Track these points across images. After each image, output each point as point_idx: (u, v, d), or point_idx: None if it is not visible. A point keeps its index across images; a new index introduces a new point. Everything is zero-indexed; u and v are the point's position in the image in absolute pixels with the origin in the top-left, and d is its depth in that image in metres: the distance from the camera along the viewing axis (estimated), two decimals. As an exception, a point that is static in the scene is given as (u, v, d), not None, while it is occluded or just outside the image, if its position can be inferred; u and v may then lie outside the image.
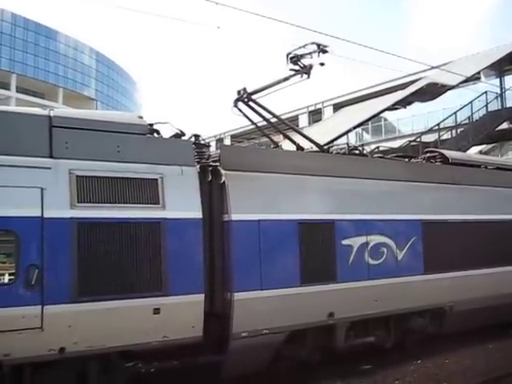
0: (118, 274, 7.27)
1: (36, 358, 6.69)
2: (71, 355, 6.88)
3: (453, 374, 9.63)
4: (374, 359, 9.98)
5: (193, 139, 9.12)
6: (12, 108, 9.22)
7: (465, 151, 23.43)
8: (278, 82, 10.45)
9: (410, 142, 26.86)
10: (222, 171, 8.47)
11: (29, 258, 6.70)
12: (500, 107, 29.40)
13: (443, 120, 29.69)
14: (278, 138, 13.42)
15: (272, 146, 11.03)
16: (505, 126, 29.02)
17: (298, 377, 9.06)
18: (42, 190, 6.89)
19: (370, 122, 33.14)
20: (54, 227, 6.89)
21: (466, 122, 29.13)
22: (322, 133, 22.30)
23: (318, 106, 42.06)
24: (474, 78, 28.31)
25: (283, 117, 14.20)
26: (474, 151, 29.18)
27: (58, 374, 7.01)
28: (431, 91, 25.66)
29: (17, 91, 67.03)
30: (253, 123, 10.98)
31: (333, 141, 20.11)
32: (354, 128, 27.01)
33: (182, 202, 7.96)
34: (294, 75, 10.52)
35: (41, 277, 6.68)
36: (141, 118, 8.54)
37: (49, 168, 7.06)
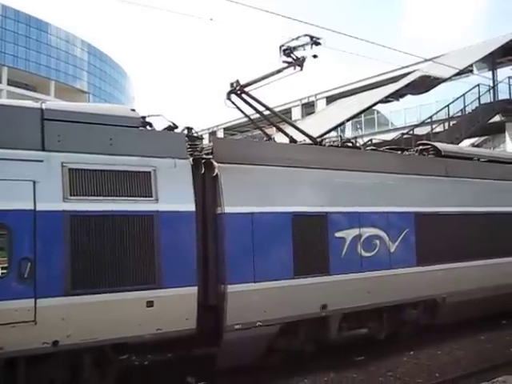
0: (111, 266, 7.25)
1: (29, 351, 6.68)
2: (65, 348, 6.88)
3: (445, 364, 9.72)
4: (367, 351, 10.03)
5: (185, 132, 9.10)
6: (3, 101, 9.14)
7: (457, 144, 23.52)
8: (271, 75, 10.42)
9: (403, 134, 26.94)
10: (215, 164, 8.46)
11: (21, 251, 6.68)
12: (492, 100, 29.52)
13: (436, 113, 29.79)
14: (271, 130, 13.41)
15: (265, 139, 11.01)
16: (497, 118, 29.16)
17: (292, 369, 9.10)
18: (34, 182, 6.86)
19: (362, 115, 33.17)
20: (47, 220, 6.87)
21: (459, 114, 29.24)
22: (315, 125, 22.34)
23: (311, 99, 42.05)
24: (467, 71, 28.44)
25: (276, 109, 14.18)
26: (466, 144, 29.33)
27: (52, 366, 7.02)
28: (424, 84, 25.78)
29: (8, 84, 66.49)
30: (246, 116, 10.96)
31: (326, 133, 20.17)
32: (347, 120, 27.08)
33: (175, 194, 7.95)
34: (287, 67, 10.50)
35: (33, 270, 6.66)
36: (133, 110, 8.50)
37: (41, 161, 7.03)
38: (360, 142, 13.12)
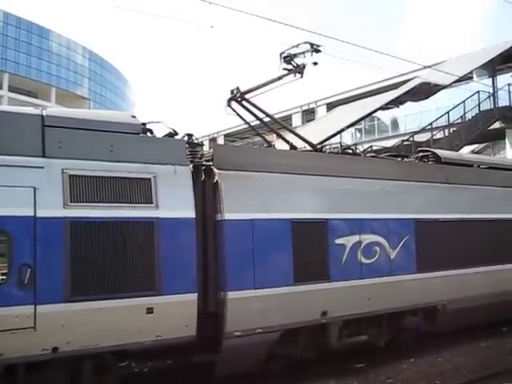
0: (111, 273, 7.25)
1: (29, 357, 6.67)
2: (64, 355, 6.87)
3: (445, 371, 9.67)
4: (367, 358, 10.00)
5: (186, 138, 9.11)
6: (4, 107, 9.17)
7: (457, 150, 23.54)
8: (272, 82, 10.47)
9: (403, 141, 26.98)
10: (216, 170, 8.47)
11: (21, 257, 6.68)
12: (492, 107, 29.58)
13: (436, 119, 29.84)
14: (272, 137, 13.43)
15: (265, 146, 11.03)
16: (497, 125, 29.20)
17: (292, 376, 9.07)
18: (34, 189, 6.86)
19: (363, 122, 33.21)
20: (47, 227, 6.87)
21: (459, 121, 29.29)
22: (315, 132, 22.36)
23: (312, 106, 42.11)
24: (467, 78, 28.49)
25: (276, 116, 14.21)
26: (466, 150, 29.36)
27: (51, 373, 6.99)
28: (424, 91, 25.82)
29: (9, 90, 66.62)
30: (246, 122, 10.99)
31: (326, 140, 20.18)
32: (348, 127, 27.09)
33: (175, 201, 7.96)
34: (287, 74, 10.54)
35: (33, 276, 6.66)
36: (134, 117, 8.53)
37: (41, 167, 7.04)
38: (360, 148, 13.13)
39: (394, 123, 35.06)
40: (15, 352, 6.53)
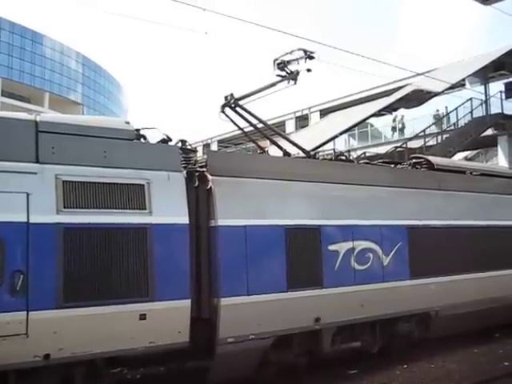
0: (104, 279, 7.23)
1: (21, 364, 6.63)
2: (56, 362, 6.83)
3: (438, 378, 9.68)
4: (360, 364, 10.01)
5: (179, 144, 9.12)
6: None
7: (450, 157, 23.65)
8: (265, 88, 10.49)
9: (396, 147, 27.08)
10: (209, 177, 8.47)
11: (14, 263, 6.64)
12: (485, 114, 29.75)
13: (429, 126, 29.98)
14: (265, 143, 13.44)
15: (259, 152, 11.05)
16: (489, 132, 29.34)
17: (285, 382, 9.06)
18: (27, 195, 6.83)
19: (356, 128, 33.28)
20: (40, 232, 6.84)
21: (452, 128, 29.43)
22: (308, 138, 22.42)
23: (305, 112, 42.12)
24: (459, 85, 28.65)
25: (270, 122, 14.24)
26: (459, 157, 29.50)
27: (43, 380, 6.95)
28: (417, 98, 25.93)
29: (2, 95, 66.39)
30: (240, 129, 11.00)
31: (319, 146, 20.25)
32: (341, 134, 27.17)
33: (168, 207, 7.95)
34: (281, 81, 10.57)
35: (26, 283, 6.62)
36: (128, 123, 8.52)
37: (35, 173, 7.02)
38: (353, 155, 13.19)
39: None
40: (7, 359, 6.49)
